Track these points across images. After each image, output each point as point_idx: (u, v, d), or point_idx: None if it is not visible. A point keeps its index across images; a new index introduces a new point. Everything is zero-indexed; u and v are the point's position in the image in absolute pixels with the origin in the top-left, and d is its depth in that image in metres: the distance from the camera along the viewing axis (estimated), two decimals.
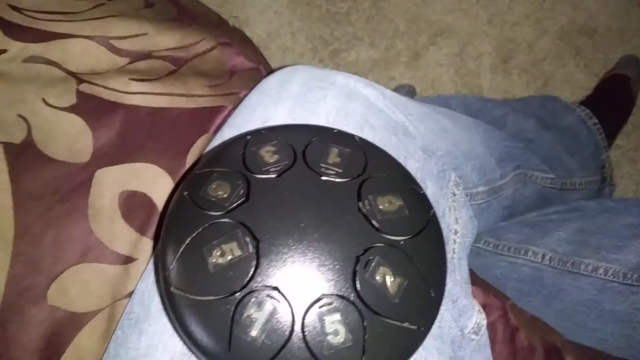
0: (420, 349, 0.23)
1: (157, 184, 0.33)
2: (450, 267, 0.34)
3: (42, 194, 0.31)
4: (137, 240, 0.32)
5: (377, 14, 0.91)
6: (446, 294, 0.29)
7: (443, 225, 0.29)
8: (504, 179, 0.56)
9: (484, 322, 0.35)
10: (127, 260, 0.32)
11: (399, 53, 0.91)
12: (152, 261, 0.32)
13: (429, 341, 0.29)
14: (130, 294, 0.31)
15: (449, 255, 0.35)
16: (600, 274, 0.49)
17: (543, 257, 0.54)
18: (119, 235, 0.32)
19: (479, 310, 0.35)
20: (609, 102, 0.88)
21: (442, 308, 0.27)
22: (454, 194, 0.39)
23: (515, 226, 0.59)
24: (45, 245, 0.30)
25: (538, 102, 0.78)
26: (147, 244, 0.33)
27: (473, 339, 0.34)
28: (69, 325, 0.30)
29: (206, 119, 0.37)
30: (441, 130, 0.44)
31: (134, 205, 0.32)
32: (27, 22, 0.35)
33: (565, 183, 0.69)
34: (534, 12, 0.94)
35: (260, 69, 0.45)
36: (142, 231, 0.32)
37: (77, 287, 0.30)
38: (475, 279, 0.43)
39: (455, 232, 0.37)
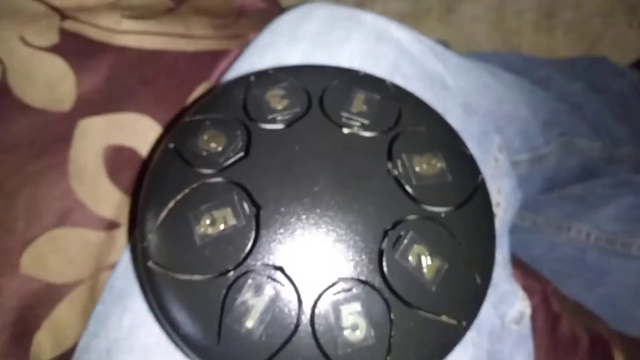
0: None
1: (147, 138, 0.30)
2: None
3: (16, 147, 0.28)
4: (123, 202, 0.29)
5: None
6: None
7: None
8: (548, 147, 0.51)
9: (528, 311, 0.31)
10: (112, 225, 0.29)
11: (431, 6, 0.86)
12: None
13: None
14: (114, 265, 0.28)
15: None
16: None
17: (588, 235, 0.49)
18: (104, 196, 0.29)
19: (522, 297, 0.31)
20: None
21: None
22: (497, 160, 0.34)
23: (557, 200, 0.54)
24: (19, 206, 0.28)
25: (586, 63, 0.72)
26: None
27: (514, 329, 0.30)
28: (45, 297, 0.28)
29: (208, 63, 0.34)
30: (483, 86, 0.39)
31: (120, 162, 0.29)
32: None
33: (612, 154, 0.62)
34: None
35: (274, 10, 0.40)
36: (129, 192, 0.29)
37: (55, 255, 0.28)
38: (513, 260, 0.39)
39: (497, 205, 0.32)
